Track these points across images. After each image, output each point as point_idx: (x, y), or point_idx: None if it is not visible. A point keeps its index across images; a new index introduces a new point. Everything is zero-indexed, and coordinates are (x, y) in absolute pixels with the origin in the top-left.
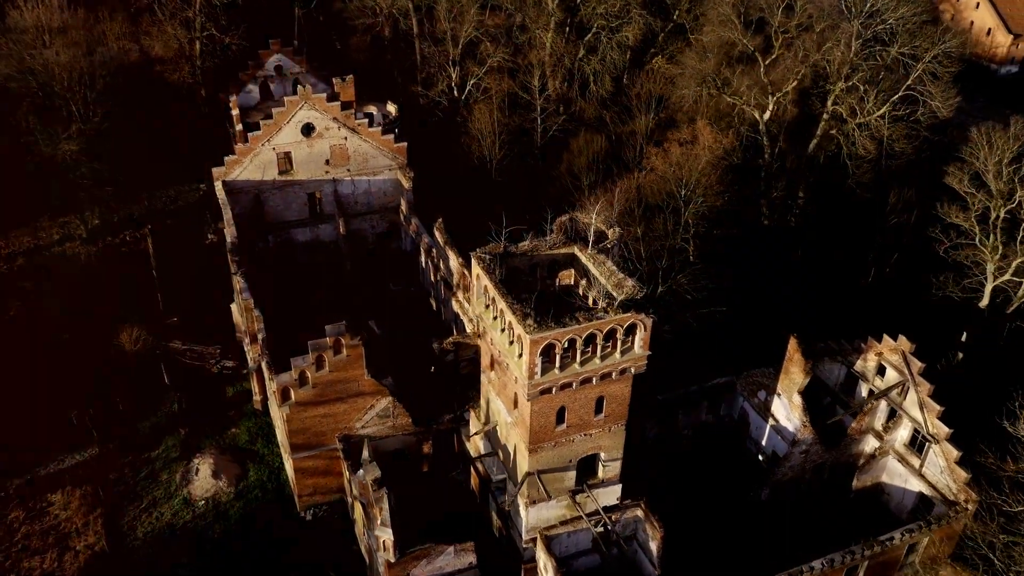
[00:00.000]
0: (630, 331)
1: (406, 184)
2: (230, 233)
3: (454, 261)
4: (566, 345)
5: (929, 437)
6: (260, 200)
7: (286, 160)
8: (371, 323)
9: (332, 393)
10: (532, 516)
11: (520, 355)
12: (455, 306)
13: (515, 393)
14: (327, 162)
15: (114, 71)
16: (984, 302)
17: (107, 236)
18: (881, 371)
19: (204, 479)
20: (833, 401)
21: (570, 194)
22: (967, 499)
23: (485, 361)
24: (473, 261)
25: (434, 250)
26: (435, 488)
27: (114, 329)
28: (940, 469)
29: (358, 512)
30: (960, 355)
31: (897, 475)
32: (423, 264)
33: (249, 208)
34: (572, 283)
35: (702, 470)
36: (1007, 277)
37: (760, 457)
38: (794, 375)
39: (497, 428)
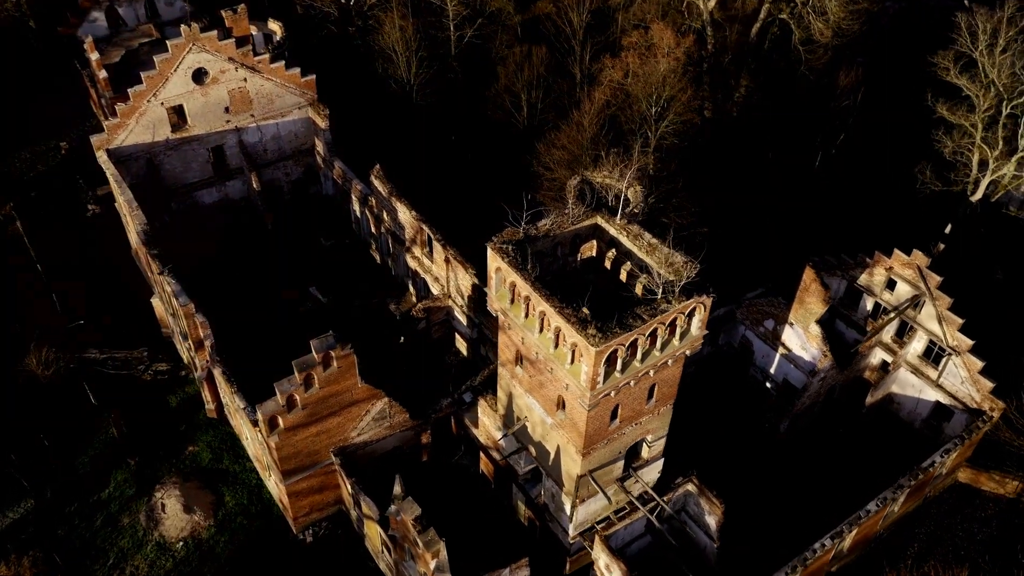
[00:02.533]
0: (690, 314)
1: (321, 123)
2: (138, 220)
3: (406, 214)
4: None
5: (950, 349)
6: (154, 165)
7: (178, 115)
8: (312, 290)
9: (325, 409)
10: (581, 513)
11: (573, 362)
12: (410, 262)
13: (559, 395)
14: (227, 110)
15: None
16: (977, 196)
17: None
18: (890, 285)
19: (175, 515)
20: (833, 316)
21: (511, 115)
22: (992, 407)
23: (507, 355)
24: (491, 253)
25: (371, 199)
26: (441, 478)
27: (14, 347)
28: (961, 379)
29: (372, 529)
30: (942, 246)
31: (910, 386)
32: (357, 213)
33: (143, 176)
34: (595, 255)
35: (710, 404)
36: (1004, 171)
37: (768, 385)
38: (810, 305)
39: (528, 426)
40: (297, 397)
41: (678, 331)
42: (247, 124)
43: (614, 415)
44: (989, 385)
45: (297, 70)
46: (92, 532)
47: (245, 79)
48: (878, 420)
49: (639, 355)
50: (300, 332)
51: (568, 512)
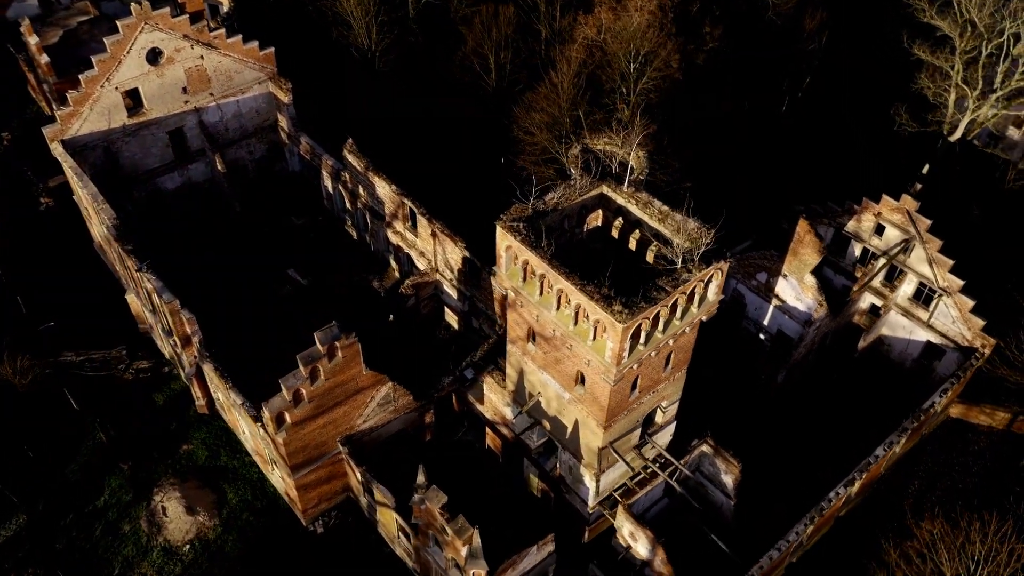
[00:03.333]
0: (707, 281)
1: (284, 97)
2: (107, 214)
3: (385, 189)
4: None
5: (941, 290)
6: (112, 153)
7: (134, 98)
8: (291, 272)
9: (331, 400)
10: (601, 483)
11: (595, 338)
12: (392, 237)
13: (579, 371)
14: (184, 90)
15: None
16: (956, 135)
17: None
18: (879, 230)
19: (178, 518)
20: (820, 263)
21: (480, 78)
22: (984, 344)
23: (518, 333)
24: (500, 232)
25: (345, 174)
26: (447, 455)
27: None
28: (952, 319)
29: (386, 515)
30: (919, 187)
31: (900, 328)
32: (328, 189)
33: (100, 165)
34: (600, 224)
35: (705, 358)
36: (982, 111)
37: (762, 336)
38: (805, 256)
39: (542, 401)
40: (303, 391)
41: (696, 298)
42: (206, 103)
43: (634, 386)
44: (980, 323)
45: (255, 43)
46: (92, 543)
47: (202, 56)
48: (870, 363)
49: (660, 326)
50: (283, 316)
51: (589, 483)
